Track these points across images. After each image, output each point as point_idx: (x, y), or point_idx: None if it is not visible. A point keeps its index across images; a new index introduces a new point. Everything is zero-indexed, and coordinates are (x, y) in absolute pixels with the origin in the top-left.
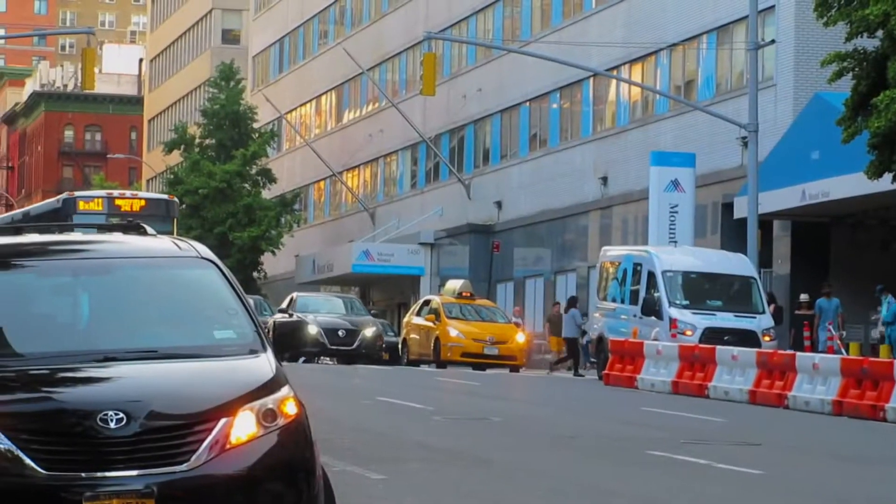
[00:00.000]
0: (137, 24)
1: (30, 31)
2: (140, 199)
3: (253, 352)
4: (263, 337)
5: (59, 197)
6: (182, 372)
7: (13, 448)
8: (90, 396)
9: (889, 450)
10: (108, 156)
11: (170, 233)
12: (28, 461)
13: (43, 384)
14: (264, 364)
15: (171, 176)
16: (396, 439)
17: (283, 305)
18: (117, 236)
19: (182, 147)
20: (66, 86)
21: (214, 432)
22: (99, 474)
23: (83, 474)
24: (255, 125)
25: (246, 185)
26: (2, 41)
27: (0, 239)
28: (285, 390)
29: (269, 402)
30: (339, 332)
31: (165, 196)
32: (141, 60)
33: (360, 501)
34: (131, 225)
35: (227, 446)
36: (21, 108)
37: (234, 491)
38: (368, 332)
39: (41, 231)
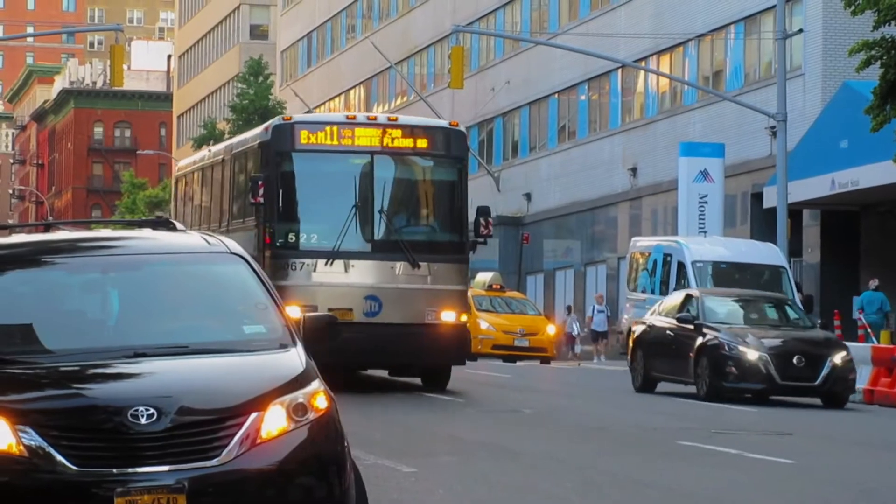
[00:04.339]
0: (165, 20)
1: (58, 29)
2: (400, 126)
3: (283, 346)
4: (293, 331)
5: (267, 124)
6: (212, 367)
7: (44, 444)
8: (121, 392)
9: None
10: (138, 152)
11: (452, 184)
12: (59, 457)
13: (73, 380)
14: (294, 358)
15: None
16: (427, 432)
17: (671, 305)
18: (147, 232)
19: (211, 143)
20: (94, 83)
21: (245, 427)
22: (130, 470)
23: (114, 470)
24: (283, 120)
25: None
26: (31, 39)
27: (31, 236)
28: (315, 384)
29: (299, 396)
30: (795, 360)
31: (444, 122)
32: (169, 57)
33: (391, 494)
34: (160, 221)
35: (258, 441)
36: (50, 106)
37: (266, 485)
38: (837, 358)
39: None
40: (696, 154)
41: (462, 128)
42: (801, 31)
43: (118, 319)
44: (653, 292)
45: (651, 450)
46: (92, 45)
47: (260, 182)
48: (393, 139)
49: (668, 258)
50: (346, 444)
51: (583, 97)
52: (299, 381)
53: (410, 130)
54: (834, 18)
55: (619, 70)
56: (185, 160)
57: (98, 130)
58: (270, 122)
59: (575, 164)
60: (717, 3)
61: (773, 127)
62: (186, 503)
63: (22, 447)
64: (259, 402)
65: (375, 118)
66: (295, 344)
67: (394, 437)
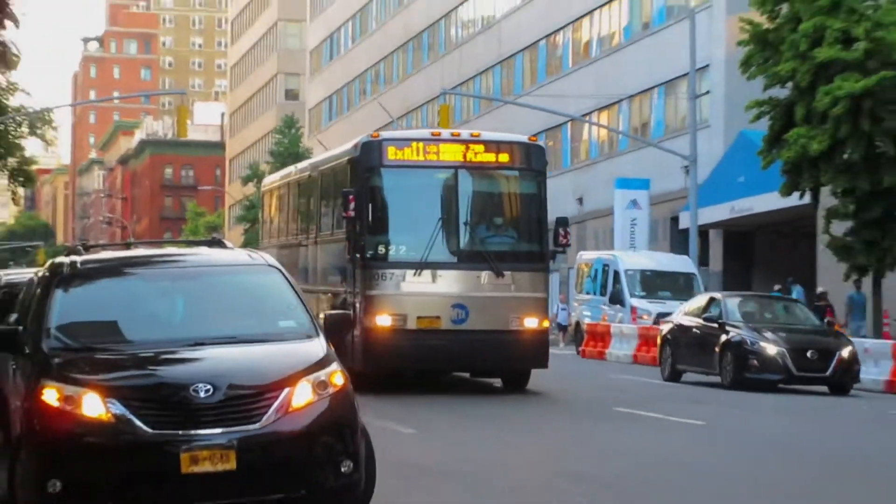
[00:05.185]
0: (220, 86)
1: (137, 93)
2: (483, 142)
3: (309, 337)
4: (317, 325)
5: (356, 141)
6: (255, 353)
7: (126, 413)
8: (185, 372)
9: (822, 405)
10: (199, 188)
11: (532, 197)
12: (138, 423)
13: (148, 364)
14: (318, 346)
15: (248, 202)
16: (426, 403)
17: (695, 306)
18: (204, 250)
19: (255, 180)
20: (165, 134)
21: (280, 399)
22: (192, 432)
23: (180, 432)
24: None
25: None
26: (116, 101)
27: (116, 253)
28: (334, 366)
29: (321, 375)
30: (809, 354)
31: (524, 137)
32: (223, 114)
33: (394, 450)
34: (215, 241)
35: (290, 409)
36: (132, 153)
37: (295, 444)
38: (845, 352)
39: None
40: (628, 187)
41: (541, 142)
42: (707, 92)
43: (182, 317)
44: (595, 294)
45: (594, 414)
46: (163, 105)
47: (351, 196)
48: (476, 154)
49: (607, 268)
50: (358, 411)
51: (542, 144)
52: (321, 364)
53: (493, 146)
54: (733, 83)
55: (569, 123)
56: (271, 177)
57: (168, 171)
58: (359, 139)
59: None
60: (644, 72)
61: (686, 166)
62: (235, 458)
63: (110, 415)
64: (290, 380)
65: (459, 134)
66: (318, 335)
67: (397, 406)
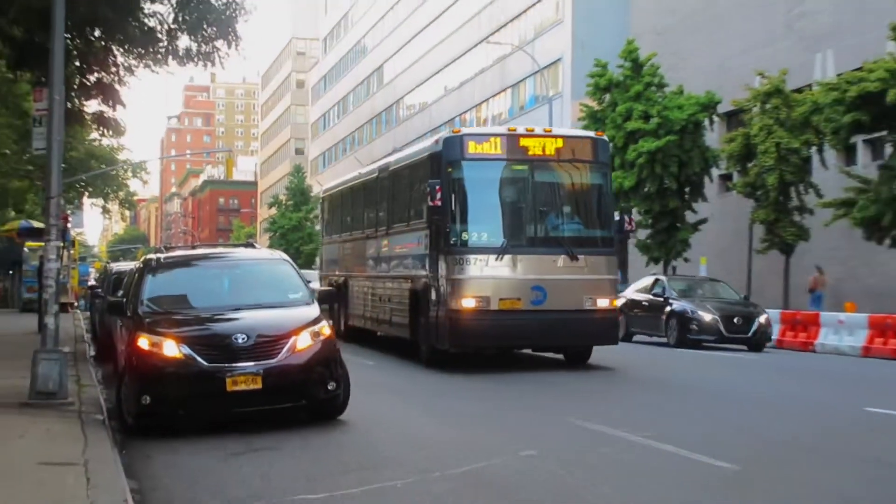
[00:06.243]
0: (254, 146)
1: (201, 150)
2: (554, 137)
3: (308, 304)
4: (313, 296)
5: (438, 137)
6: (274, 314)
7: (192, 353)
8: (229, 327)
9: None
10: (241, 211)
11: (599, 187)
12: (199, 360)
13: (206, 321)
14: (315, 310)
15: (271, 219)
16: (382, 346)
17: (643, 285)
18: (241, 249)
19: (276, 206)
20: (219, 177)
21: (290, 343)
22: (234, 365)
23: (226, 365)
24: (312, 195)
25: (308, 223)
26: (188, 155)
27: (186, 251)
28: (324, 322)
29: (315, 328)
30: (735, 320)
31: (591, 133)
32: (256, 164)
33: (361, 374)
34: (248, 244)
35: (296, 350)
36: (198, 188)
37: (299, 372)
38: (762, 318)
39: (207, 245)
40: None
41: (605, 136)
42: None
43: (227, 291)
44: None
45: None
46: (218, 158)
47: (437, 187)
48: (546, 148)
49: None
50: (339, 351)
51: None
52: (316, 321)
53: (564, 140)
54: None
55: None
56: (331, 183)
57: (221, 200)
58: (440, 135)
59: None
60: None
61: None
62: (262, 381)
63: (181, 354)
64: (296, 331)
65: (533, 129)
66: (314, 303)
67: (363, 349)
